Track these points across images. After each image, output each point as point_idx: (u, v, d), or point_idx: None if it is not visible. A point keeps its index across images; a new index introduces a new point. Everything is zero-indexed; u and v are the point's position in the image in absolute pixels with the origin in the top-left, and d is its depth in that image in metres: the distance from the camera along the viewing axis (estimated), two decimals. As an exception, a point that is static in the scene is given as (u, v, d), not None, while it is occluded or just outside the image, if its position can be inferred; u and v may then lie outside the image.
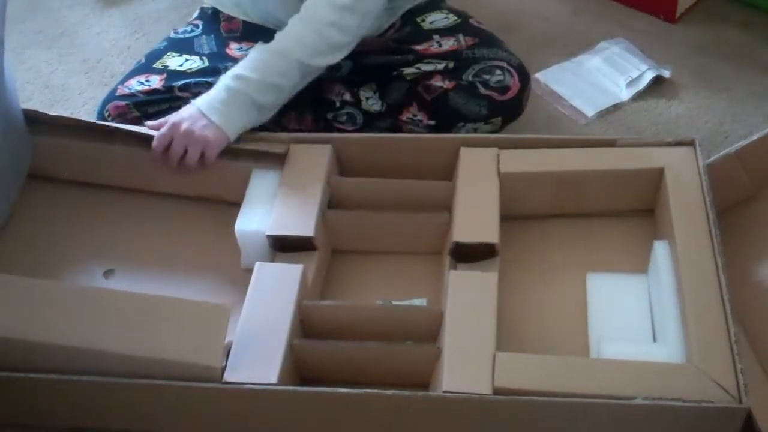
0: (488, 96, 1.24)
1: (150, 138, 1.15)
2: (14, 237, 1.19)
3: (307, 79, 1.20)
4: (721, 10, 1.62)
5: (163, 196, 1.22)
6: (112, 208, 1.22)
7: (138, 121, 1.24)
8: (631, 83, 1.45)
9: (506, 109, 1.26)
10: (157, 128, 1.16)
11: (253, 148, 1.17)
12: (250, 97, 1.15)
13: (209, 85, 1.20)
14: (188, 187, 1.21)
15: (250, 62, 1.17)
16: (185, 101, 1.21)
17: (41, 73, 1.56)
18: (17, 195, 1.21)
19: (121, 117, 1.25)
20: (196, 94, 1.21)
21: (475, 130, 1.25)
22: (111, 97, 1.28)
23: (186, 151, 1.14)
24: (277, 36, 1.18)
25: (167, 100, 1.26)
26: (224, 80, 1.16)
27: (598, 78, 1.48)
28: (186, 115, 1.15)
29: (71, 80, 1.54)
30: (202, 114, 1.14)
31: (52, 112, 1.45)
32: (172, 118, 1.15)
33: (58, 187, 1.24)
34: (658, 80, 1.47)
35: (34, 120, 1.20)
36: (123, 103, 1.26)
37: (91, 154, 1.20)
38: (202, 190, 1.21)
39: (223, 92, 1.15)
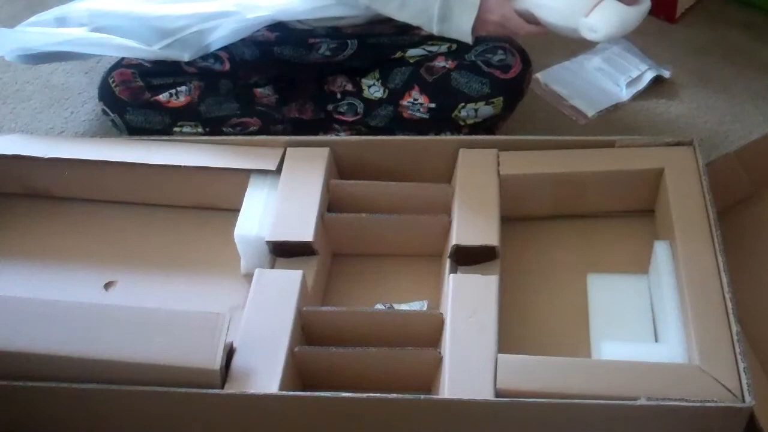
0: (490, 74, 1.24)
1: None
2: (13, 252, 1.19)
3: None
4: (721, 10, 1.62)
5: (160, 207, 1.22)
6: (110, 221, 1.22)
7: (141, 91, 1.25)
8: (631, 83, 1.45)
9: (508, 89, 1.25)
10: None
11: (249, 153, 1.17)
12: None
13: (216, 58, 1.19)
14: (185, 197, 1.21)
15: None
16: (190, 76, 1.20)
17: (41, 72, 1.55)
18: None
19: (125, 84, 1.26)
20: (202, 69, 1.20)
21: (476, 112, 1.25)
22: (118, 64, 1.29)
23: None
24: None
25: (172, 73, 1.26)
26: None
27: (598, 78, 1.48)
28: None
29: (71, 80, 1.53)
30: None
31: (51, 112, 1.47)
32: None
33: (54, 203, 1.24)
34: (658, 80, 1.47)
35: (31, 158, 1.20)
36: (129, 70, 1.27)
37: (86, 170, 1.20)
38: (199, 199, 1.21)
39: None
